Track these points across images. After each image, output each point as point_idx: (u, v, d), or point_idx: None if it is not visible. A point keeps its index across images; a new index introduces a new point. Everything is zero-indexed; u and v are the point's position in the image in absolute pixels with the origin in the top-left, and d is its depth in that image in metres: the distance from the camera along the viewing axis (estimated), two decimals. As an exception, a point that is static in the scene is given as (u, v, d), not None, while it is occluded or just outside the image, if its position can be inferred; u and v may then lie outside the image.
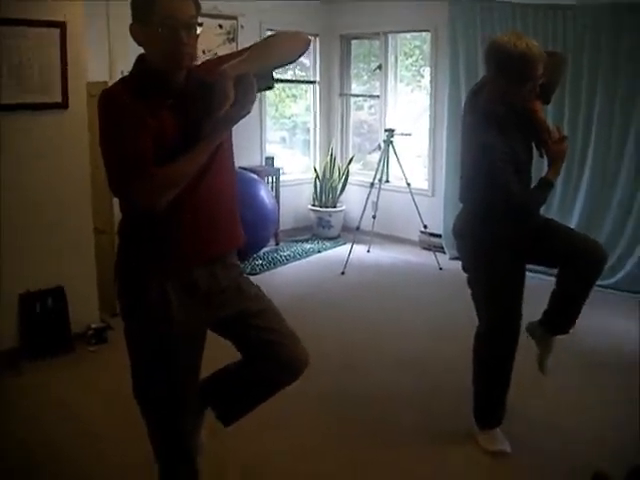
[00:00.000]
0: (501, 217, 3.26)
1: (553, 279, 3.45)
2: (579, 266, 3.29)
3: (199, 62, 2.48)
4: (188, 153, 2.22)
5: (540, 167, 3.39)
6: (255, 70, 2.26)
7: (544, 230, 3.40)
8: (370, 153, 8.63)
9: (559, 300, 3.41)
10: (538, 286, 3.83)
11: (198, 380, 2.63)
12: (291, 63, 2.60)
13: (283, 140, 9.14)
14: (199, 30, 2.27)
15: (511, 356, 3.47)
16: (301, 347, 2.60)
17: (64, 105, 4.63)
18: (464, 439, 3.65)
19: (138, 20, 2.23)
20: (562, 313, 3.44)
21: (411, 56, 8.51)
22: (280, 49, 2.44)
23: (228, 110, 2.18)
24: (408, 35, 8.34)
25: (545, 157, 3.34)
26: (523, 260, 3.41)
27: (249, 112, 2.26)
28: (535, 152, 3.40)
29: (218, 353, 2.63)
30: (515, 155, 3.17)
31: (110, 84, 2.40)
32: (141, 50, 2.30)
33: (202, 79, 2.22)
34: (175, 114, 2.26)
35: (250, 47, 2.44)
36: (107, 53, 5.55)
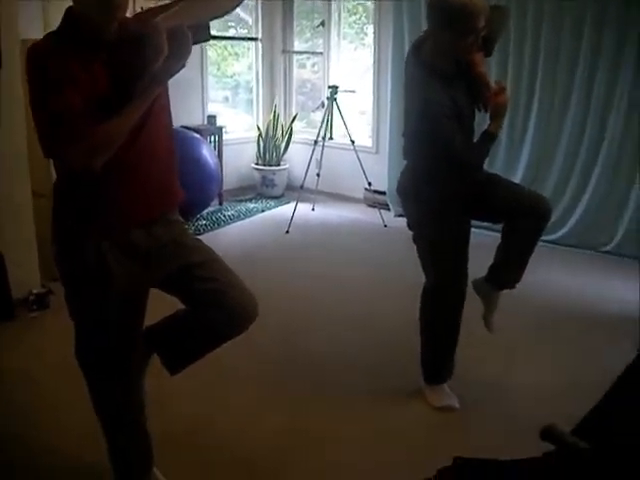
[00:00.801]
0: (444, 173, 3.25)
1: (498, 235, 3.46)
2: (524, 220, 3.30)
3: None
4: (122, 110, 2.14)
5: (485, 121, 3.36)
6: (190, 22, 2.19)
7: (488, 185, 3.40)
8: (314, 111, 8.56)
9: (505, 255, 3.43)
10: (484, 242, 3.86)
11: (139, 337, 2.61)
12: (227, 14, 2.51)
13: (226, 99, 9.01)
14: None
15: (458, 311, 3.49)
16: (248, 296, 2.51)
17: (-3, 63, 4.47)
18: (411, 396, 3.67)
19: None
20: (508, 267, 3.45)
21: (354, 13, 8.43)
22: (214, 1, 2.37)
23: (162, 64, 2.11)
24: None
25: (486, 110, 3.33)
26: (468, 216, 3.41)
27: (184, 66, 2.19)
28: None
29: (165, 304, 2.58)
30: (458, 109, 3.14)
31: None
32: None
33: (134, 32, 2.15)
34: (107, 68, 2.18)
35: None
36: (41, 9, 5.37)
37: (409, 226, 3.51)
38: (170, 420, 3.35)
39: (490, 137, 3.22)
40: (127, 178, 2.31)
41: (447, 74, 3.16)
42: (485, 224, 4.11)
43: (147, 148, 2.32)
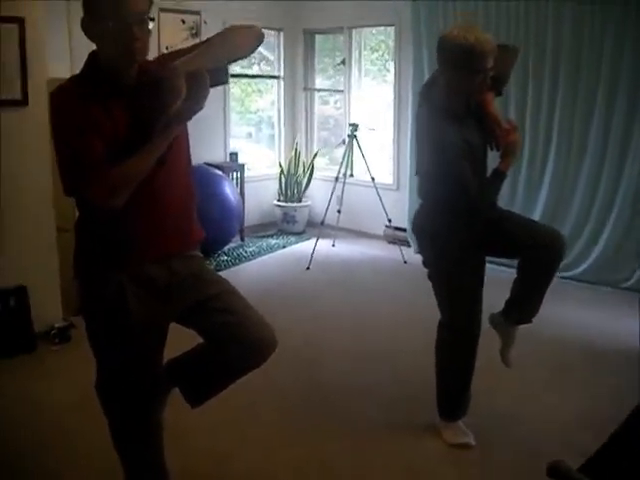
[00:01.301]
0: (458, 211, 3.27)
1: (513, 270, 3.47)
2: (540, 254, 3.31)
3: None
4: (141, 151, 2.21)
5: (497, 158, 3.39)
6: (208, 65, 2.26)
7: (502, 221, 3.42)
8: (336, 148, 8.63)
9: (521, 289, 3.44)
10: (500, 278, 3.87)
11: (159, 371, 2.64)
12: (244, 57, 2.60)
13: (249, 135, 9.11)
14: (151, 25, 2.26)
15: (473, 348, 3.50)
16: (266, 328, 2.52)
17: (24, 102, 4.58)
18: (427, 432, 3.67)
19: (89, 14, 2.22)
20: (524, 302, 3.47)
21: (377, 50, 8.52)
22: (232, 44, 2.43)
23: (180, 106, 2.17)
24: (374, 30, 8.34)
25: (498, 149, 3.35)
26: (482, 253, 3.44)
27: (202, 108, 2.25)
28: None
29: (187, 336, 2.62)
30: (470, 148, 3.18)
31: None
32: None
33: (153, 75, 2.22)
34: (127, 110, 2.25)
35: (204, 42, 2.44)
36: (68, 50, 5.49)
37: (424, 264, 3.54)
38: (189, 455, 3.38)
39: (500, 175, 3.23)
40: (146, 215, 2.37)
41: (458, 113, 3.21)
42: (500, 260, 4.13)
43: (166, 186, 2.39)
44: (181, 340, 2.65)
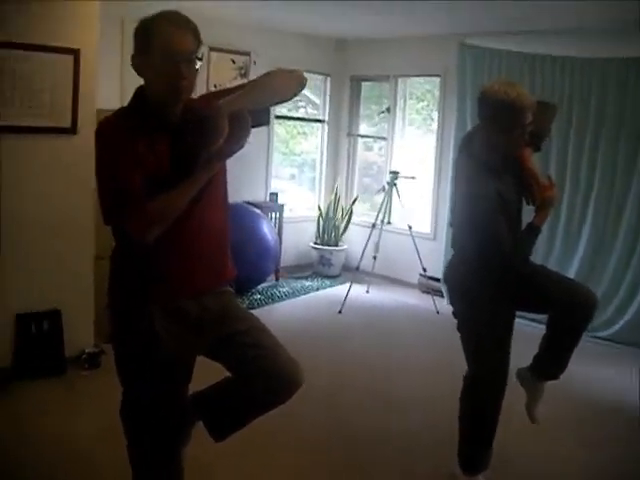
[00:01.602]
0: (490, 265, 3.26)
1: (542, 326, 3.46)
2: (570, 311, 3.30)
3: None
4: (180, 186, 2.27)
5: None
6: (250, 106, 2.32)
7: (535, 276, 3.42)
8: (375, 194, 8.66)
9: (550, 345, 3.43)
10: (529, 332, 3.86)
11: (184, 402, 2.66)
12: (286, 101, 2.66)
13: (292, 177, 9.23)
14: (199, 65, 2.33)
15: (497, 402, 3.47)
16: (293, 364, 2.53)
17: (73, 130, 4.71)
18: (448, 481, 3.64)
19: (139, 51, 2.30)
20: (552, 358, 3.45)
21: (422, 100, 8.59)
22: (275, 88, 2.49)
23: (221, 145, 2.23)
24: (421, 79, 8.41)
25: (534, 204, 3.37)
26: (513, 307, 3.43)
27: (242, 147, 2.31)
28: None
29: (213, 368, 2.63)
30: (506, 203, 3.19)
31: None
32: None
33: (198, 113, 2.27)
34: (170, 145, 2.32)
35: (248, 82, 2.51)
36: (119, 80, 5.64)
37: (454, 315, 3.54)
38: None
39: (535, 230, 3.25)
40: (181, 251, 2.42)
41: (495, 167, 3.23)
42: (530, 315, 4.11)
43: (201, 223, 2.44)
44: (207, 373, 2.67)
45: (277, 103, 2.57)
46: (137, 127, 2.30)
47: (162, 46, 2.24)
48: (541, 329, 3.47)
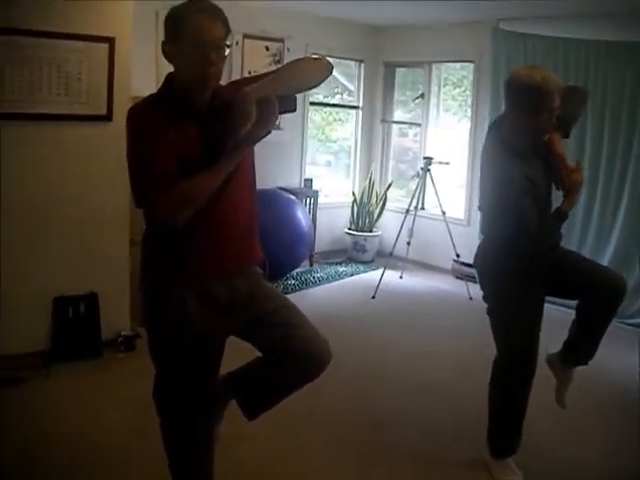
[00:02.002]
0: (519, 249, 3.27)
1: (571, 311, 3.48)
2: (599, 297, 3.32)
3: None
4: (209, 170, 2.32)
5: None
6: (278, 93, 2.36)
7: (564, 261, 3.43)
8: (410, 180, 8.65)
9: (579, 331, 3.45)
10: (560, 318, 3.86)
11: (215, 380, 2.75)
12: (313, 88, 2.70)
13: (329, 163, 9.28)
14: (227, 52, 2.38)
15: (527, 386, 3.48)
16: (323, 343, 2.57)
17: (109, 118, 4.79)
18: (477, 468, 3.66)
19: (169, 39, 2.36)
20: (582, 344, 3.47)
21: (460, 86, 8.55)
22: (302, 75, 2.53)
23: (249, 130, 2.27)
24: (457, 65, 8.38)
25: (561, 189, 3.37)
26: (542, 292, 3.43)
27: (269, 133, 2.35)
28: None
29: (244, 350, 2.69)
30: (534, 186, 3.19)
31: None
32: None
33: (226, 99, 2.32)
34: (199, 131, 2.37)
35: (275, 70, 2.55)
36: (154, 68, 5.70)
37: (484, 299, 3.55)
38: (232, 466, 3.42)
39: (562, 214, 3.25)
40: (210, 234, 2.47)
41: (523, 152, 3.23)
42: (559, 300, 4.11)
43: (230, 207, 2.49)
44: (238, 354, 2.74)
45: (304, 90, 2.61)
46: (166, 112, 2.35)
47: (192, 34, 2.29)
48: (571, 314, 3.49)
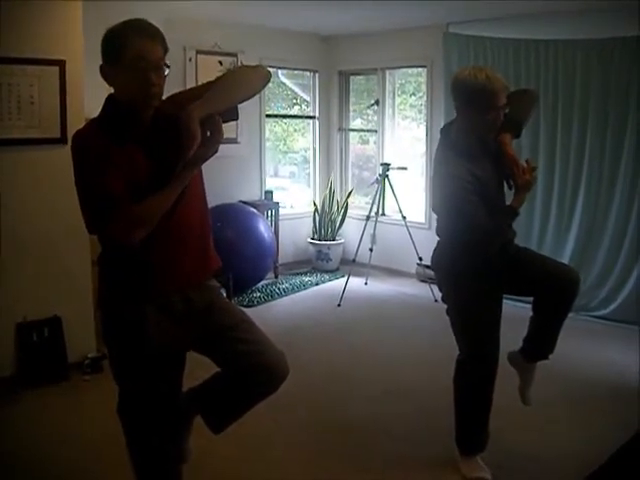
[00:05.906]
0: (469, 247, 3.32)
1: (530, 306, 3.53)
2: (554, 290, 3.37)
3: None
4: (160, 192, 2.34)
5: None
6: (222, 108, 2.39)
7: (517, 258, 3.47)
8: (369, 187, 8.70)
9: (537, 326, 3.50)
10: (518, 314, 3.91)
11: (179, 395, 2.76)
12: (255, 95, 2.70)
13: (292, 174, 9.33)
14: (167, 71, 2.40)
15: (489, 383, 3.52)
16: (282, 356, 2.65)
17: (63, 141, 4.75)
18: (446, 466, 3.69)
19: (108, 61, 2.38)
20: (541, 339, 3.52)
21: (418, 91, 8.56)
22: (241, 86, 2.56)
23: (196, 151, 2.30)
24: (414, 70, 8.40)
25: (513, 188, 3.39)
26: (498, 289, 3.48)
27: (216, 151, 2.38)
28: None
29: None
30: (482, 185, 3.22)
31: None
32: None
33: (169, 118, 2.34)
34: (145, 151, 2.38)
35: (213, 81, 2.55)
36: (108, 88, 5.68)
37: (443, 299, 3.60)
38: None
39: (512, 212, 3.29)
40: (164, 248, 2.49)
41: (471, 152, 3.28)
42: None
43: (182, 219, 2.51)
44: (197, 368, 2.76)
45: (245, 100, 2.61)
46: (110, 134, 2.36)
47: (132, 56, 2.30)
48: (529, 309, 3.54)
